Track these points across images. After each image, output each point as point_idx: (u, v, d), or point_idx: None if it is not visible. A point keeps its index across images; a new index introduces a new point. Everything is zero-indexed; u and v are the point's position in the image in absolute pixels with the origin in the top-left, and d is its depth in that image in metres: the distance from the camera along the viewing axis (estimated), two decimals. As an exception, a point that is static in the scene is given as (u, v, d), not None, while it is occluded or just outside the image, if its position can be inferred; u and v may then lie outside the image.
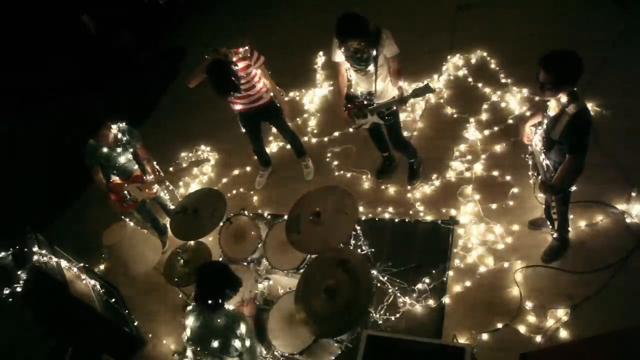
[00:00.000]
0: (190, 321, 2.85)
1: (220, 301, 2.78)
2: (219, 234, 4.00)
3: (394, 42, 3.58)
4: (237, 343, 2.75)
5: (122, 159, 4.13)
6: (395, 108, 3.87)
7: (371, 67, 3.65)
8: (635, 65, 4.61)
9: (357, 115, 4.00)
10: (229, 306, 2.86)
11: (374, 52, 3.56)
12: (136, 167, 4.26)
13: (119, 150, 4.09)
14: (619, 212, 3.73)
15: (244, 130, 4.67)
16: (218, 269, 2.86)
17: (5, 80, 8.14)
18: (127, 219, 4.45)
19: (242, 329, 2.79)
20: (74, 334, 3.82)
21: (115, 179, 4.22)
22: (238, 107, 4.40)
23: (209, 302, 2.75)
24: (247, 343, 2.81)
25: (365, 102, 3.87)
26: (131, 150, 4.15)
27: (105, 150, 4.02)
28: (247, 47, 4.12)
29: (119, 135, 4.05)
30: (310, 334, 3.07)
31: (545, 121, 3.00)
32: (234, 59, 4.03)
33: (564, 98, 2.79)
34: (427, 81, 3.84)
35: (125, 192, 4.15)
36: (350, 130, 5.20)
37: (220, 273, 2.83)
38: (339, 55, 3.71)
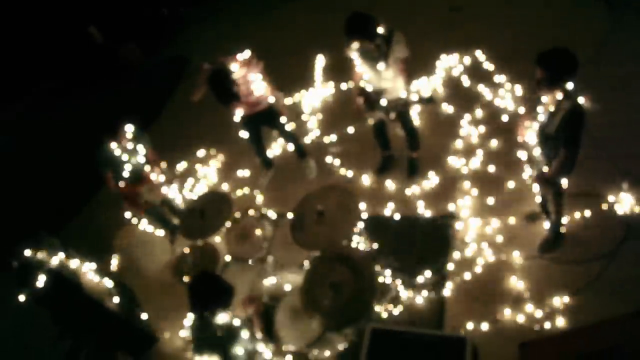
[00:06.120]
0: (189, 335, 2.88)
1: (216, 311, 2.77)
2: (226, 234, 4.12)
3: (405, 45, 3.72)
4: (239, 350, 2.78)
5: (133, 161, 4.25)
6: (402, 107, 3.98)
7: (381, 66, 3.78)
8: (623, 61, 4.74)
9: (368, 108, 4.14)
10: (227, 315, 2.84)
11: (384, 52, 3.69)
12: (146, 169, 4.38)
13: (130, 152, 4.21)
14: (611, 203, 3.84)
15: (244, 134, 4.76)
16: (208, 281, 2.88)
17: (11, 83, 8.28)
18: (139, 221, 4.57)
19: (243, 335, 2.82)
20: (89, 332, 3.95)
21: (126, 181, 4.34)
22: (238, 111, 4.51)
23: (204, 314, 2.78)
24: (250, 347, 2.86)
25: (374, 99, 4.00)
26: (143, 152, 4.28)
27: (119, 151, 4.14)
28: (245, 53, 4.20)
29: (131, 136, 4.17)
30: (317, 328, 3.18)
31: (540, 117, 3.10)
32: (232, 67, 4.11)
33: (559, 94, 2.89)
34: (432, 92, 3.98)
35: (139, 195, 4.27)
36: (350, 131, 5.32)
37: (210, 285, 2.84)
38: (353, 52, 3.84)
